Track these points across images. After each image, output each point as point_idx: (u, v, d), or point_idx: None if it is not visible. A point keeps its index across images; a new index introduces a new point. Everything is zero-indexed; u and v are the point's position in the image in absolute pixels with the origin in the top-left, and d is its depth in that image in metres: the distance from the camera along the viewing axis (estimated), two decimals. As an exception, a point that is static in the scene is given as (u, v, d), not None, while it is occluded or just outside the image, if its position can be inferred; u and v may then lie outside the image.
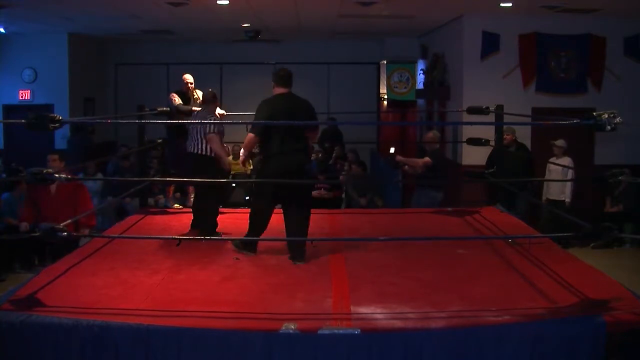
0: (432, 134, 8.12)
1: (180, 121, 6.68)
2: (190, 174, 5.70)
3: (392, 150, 10.84)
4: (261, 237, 5.00)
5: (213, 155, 5.56)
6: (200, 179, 5.57)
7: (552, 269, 4.47)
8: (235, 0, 8.47)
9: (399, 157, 8.13)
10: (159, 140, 8.71)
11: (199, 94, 6.99)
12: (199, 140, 5.56)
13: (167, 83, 13.75)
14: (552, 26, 9.26)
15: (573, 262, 4.75)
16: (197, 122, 5.71)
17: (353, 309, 3.71)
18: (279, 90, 5.05)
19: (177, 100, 7.16)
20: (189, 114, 6.92)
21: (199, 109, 6.62)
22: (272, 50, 13.78)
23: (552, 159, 8.76)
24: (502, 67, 9.38)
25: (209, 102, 5.92)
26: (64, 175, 4.02)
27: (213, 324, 3.47)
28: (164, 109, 7.06)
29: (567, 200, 8.64)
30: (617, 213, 9.08)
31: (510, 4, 8.51)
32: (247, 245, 4.94)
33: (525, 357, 3.41)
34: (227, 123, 6.87)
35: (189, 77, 7.05)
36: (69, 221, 4.27)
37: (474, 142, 7.05)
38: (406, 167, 8.17)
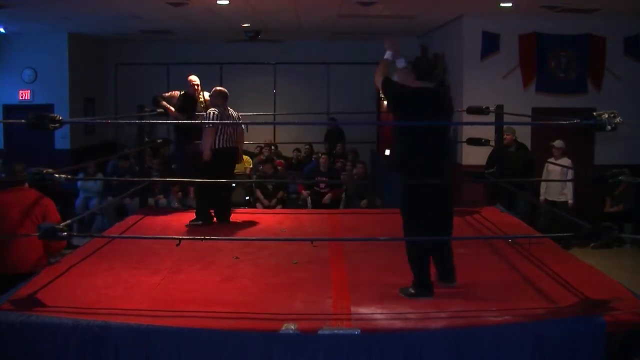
0: None
1: (182, 121, 6.67)
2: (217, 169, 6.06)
3: (387, 152, 10.83)
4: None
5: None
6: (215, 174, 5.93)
7: (552, 269, 4.47)
8: (235, 0, 8.46)
9: None
10: (159, 141, 8.71)
11: (205, 95, 6.96)
12: (231, 134, 6.22)
13: (167, 83, 13.73)
14: (552, 26, 9.26)
15: (573, 262, 4.76)
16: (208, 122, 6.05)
17: (353, 309, 3.71)
18: (419, 83, 4.14)
19: (173, 97, 7.12)
20: (163, 108, 6.99)
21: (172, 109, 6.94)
22: (272, 50, 13.77)
23: (551, 160, 8.74)
24: (502, 67, 9.37)
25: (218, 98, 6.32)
26: (63, 176, 4.01)
27: (213, 324, 3.47)
28: (161, 110, 7.05)
29: (570, 201, 8.59)
30: (617, 213, 9.08)
31: (510, 4, 8.51)
32: (422, 288, 4.00)
33: (525, 357, 3.42)
34: (228, 123, 6.85)
35: (195, 79, 6.99)
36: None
37: (474, 142, 7.05)
38: None
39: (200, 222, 6.12)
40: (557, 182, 8.70)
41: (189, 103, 6.92)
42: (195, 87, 6.97)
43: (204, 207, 6.23)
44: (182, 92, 7.02)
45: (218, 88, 6.39)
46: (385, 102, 4.34)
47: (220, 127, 6.09)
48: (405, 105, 4.11)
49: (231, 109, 6.39)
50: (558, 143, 8.64)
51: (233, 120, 6.29)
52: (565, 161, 8.54)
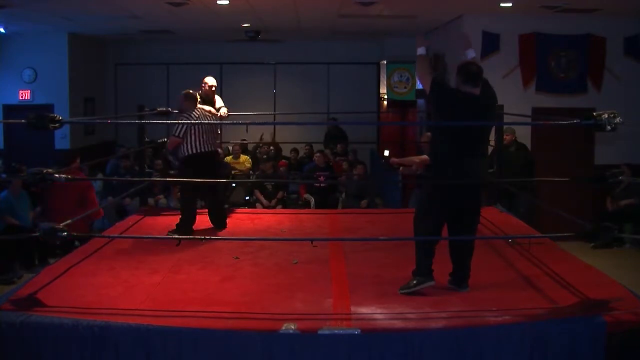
0: (427, 134, 8.12)
1: (181, 121, 6.65)
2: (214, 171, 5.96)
3: (386, 153, 10.81)
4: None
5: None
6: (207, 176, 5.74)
7: (552, 269, 4.47)
8: (235, 0, 8.46)
9: (393, 160, 8.11)
10: (160, 141, 8.71)
11: (217, 99, 6.94)
12: (208, 137, 5.85)
13: (167, 83, 13.75)
14: (552, 26, 9.25)
15: (573, 262, 4.76)
16: (208, 123, 5.92)
17: (353, 309, 3.71)
18: (467, 88, 4.11)
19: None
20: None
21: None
22: (272, 50, 13.77)
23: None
24: (502, 67, 9.36)
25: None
26: (63, 176, 4.02)
27: (213, 324, 3.47)
28: (164, 109, 7.05)
29: None
30: (619, 212, 9.03)
31: (510, 4, 8.50)
32: (422, 275, 4.07)
33: (525, 357, 3.42)
34: (229, 123, 6.86)
35: (212, 81, 6.78)
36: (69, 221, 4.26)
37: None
38: (401, 168, 8.13)
39: (176, 235, 5.50)
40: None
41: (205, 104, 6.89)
42: (212, 88, 6.78)
43: (186, 218, 5.79)
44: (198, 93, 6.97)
45: (184, 91, 6.05)
46: (427, 100, 4.36)
47: (193, 131, 5.73)
48: (448, 109, 4.14)
49: (209, 108, 6.15)
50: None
51: (207, 133, 5.84)
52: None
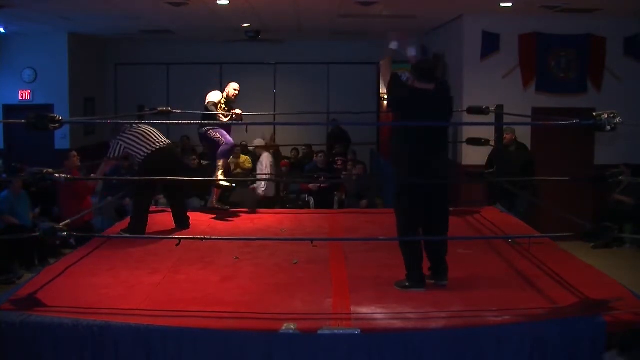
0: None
1: (181, 122, 6.67)
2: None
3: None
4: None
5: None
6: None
7: (552, 269, 4.48)
8: (235, 0, 8.46)
9: None
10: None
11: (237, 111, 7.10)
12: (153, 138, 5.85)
13: (167, 83, 13.76)
14: (552, 26, 9.25)
15: (573, 262, 4.76)
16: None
17: (353, 309, 3.71)
18: (422, 85, 4.18)
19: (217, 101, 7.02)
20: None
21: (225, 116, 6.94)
22: (272, 50, 13.77)
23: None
24: (502, 67, 9.37)
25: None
26: (63, 176, 4.02)
27: (213, 324, 3.47)
28: (164, 108, 7.06)
29: (260, 192, 9.14)
30: (617, 212, 9.04)
31: (510, 4, 8.50)
32: (415, 280, 4.13)
33: (525, 357, 3.42)
34: (230, 124, 6.88)
35: (236, 85, 7.18)
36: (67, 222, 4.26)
37: (474, 142, 7.06)
38: None
39: (127, 235, 5.50)
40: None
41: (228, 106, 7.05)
42: (236, 94, 7.11)
43: (141, 217, 5.67)
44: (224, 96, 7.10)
45: None
46: (385, 99, 4.43)
47: (132, 143, 5.76)
48: (405, 106, 4.22)
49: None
50: (256, 141, 9.87)
51: (150, 132, 5.85)
52: (264, 155, 9.28)
